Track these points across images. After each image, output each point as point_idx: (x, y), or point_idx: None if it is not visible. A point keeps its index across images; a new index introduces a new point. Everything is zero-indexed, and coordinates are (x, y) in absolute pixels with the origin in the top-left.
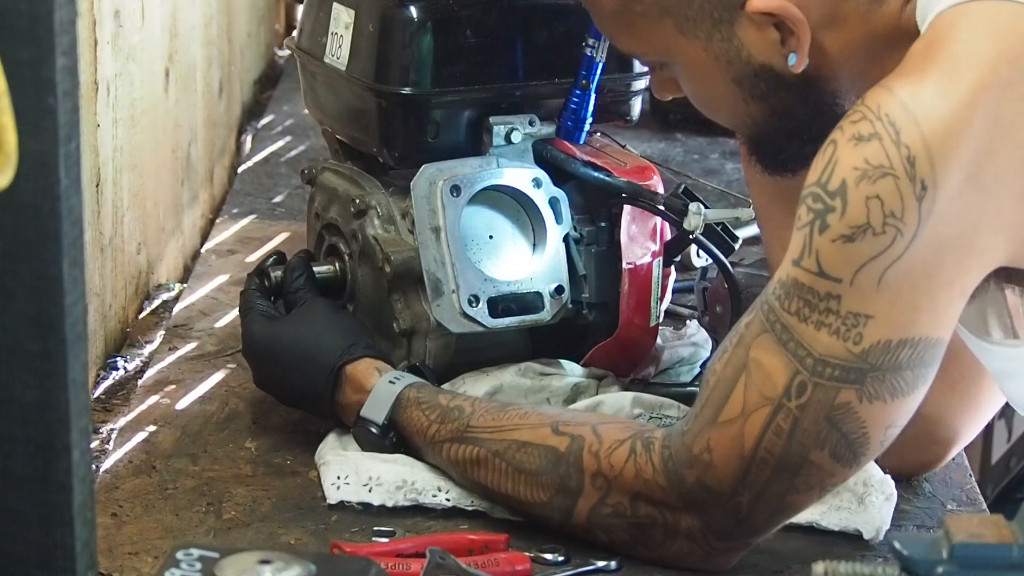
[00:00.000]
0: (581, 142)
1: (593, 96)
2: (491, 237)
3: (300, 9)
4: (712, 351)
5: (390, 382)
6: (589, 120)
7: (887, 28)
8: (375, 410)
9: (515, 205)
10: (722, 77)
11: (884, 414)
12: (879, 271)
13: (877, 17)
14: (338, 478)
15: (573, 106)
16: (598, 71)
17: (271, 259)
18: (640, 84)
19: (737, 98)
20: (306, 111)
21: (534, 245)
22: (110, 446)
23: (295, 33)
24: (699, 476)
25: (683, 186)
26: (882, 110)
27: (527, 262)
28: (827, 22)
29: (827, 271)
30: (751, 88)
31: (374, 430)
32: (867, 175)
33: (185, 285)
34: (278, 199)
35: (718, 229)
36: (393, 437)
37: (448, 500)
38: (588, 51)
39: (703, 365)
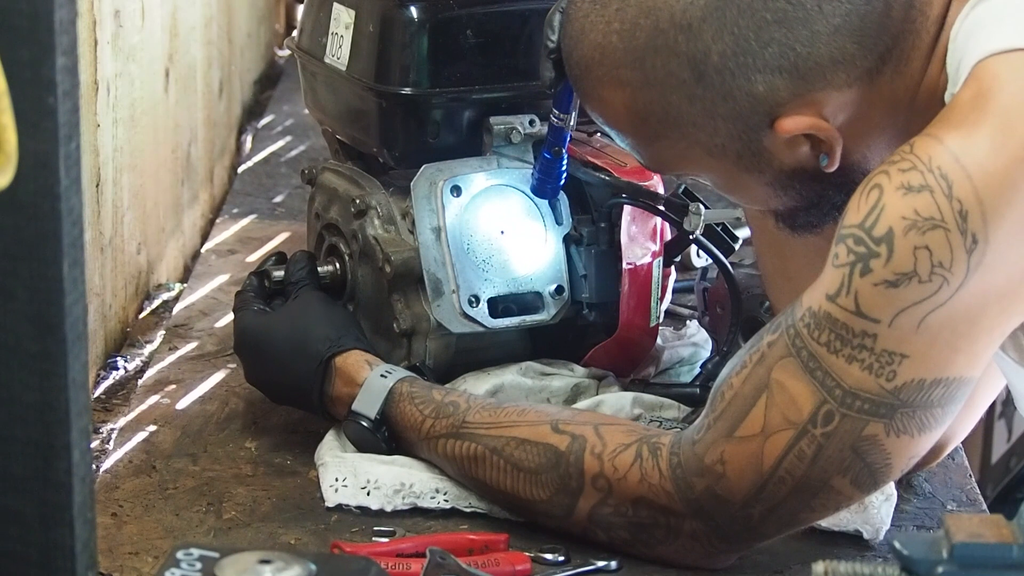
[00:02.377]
0: (554, 199)
1: (566, 158)
2: (503, 232)
3: (300, 9)
4: (712, 351)
5: (382, 375)
6: (563, 177)
7: (909, 94)
8: (367, 404)
9: (526, 200)
10: (755, 182)
11: (910, 447)
12: (920, 315)
13: (901, 90)
14: (336, 480)
15: (546, 166)
16: (568, 137)
17: (271, 260)
18: None
19: (770, 195)
20: (306, 111)
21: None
22: (110, 446)
23: (295, 33)
24: (709, 485)
25: (683, 186)
26: (933, 162)
27: (539, 256)
28: (854, 117)
29: (865, 312)
30: (784, 187)
31: (365, 424)
32: (916, 225)
33: (185, 285)
34: (278, 199)
35: (718, 229)
36: (385, 432)
37: (446, 502)
38: (556, 122)
39: (703, 365)
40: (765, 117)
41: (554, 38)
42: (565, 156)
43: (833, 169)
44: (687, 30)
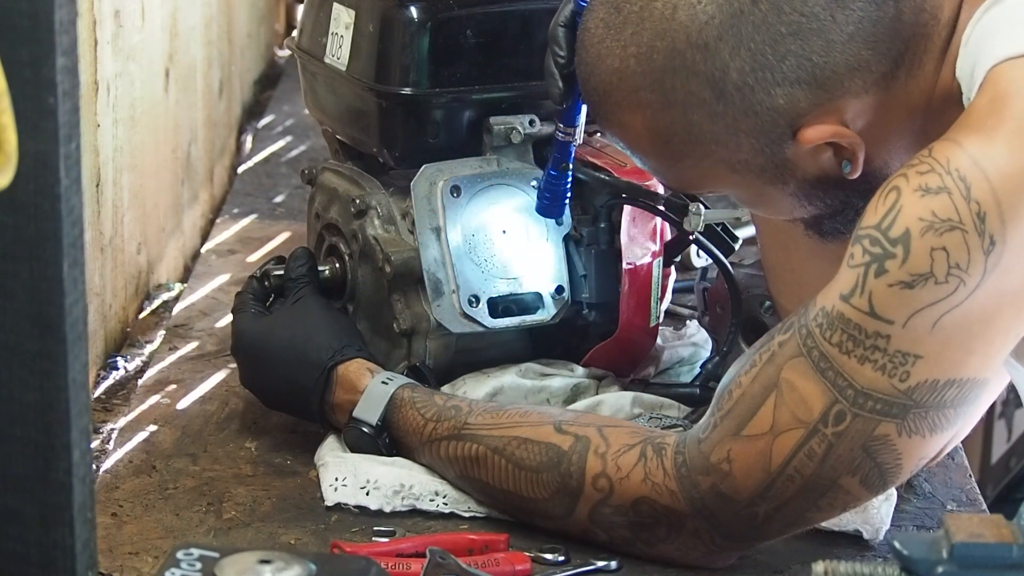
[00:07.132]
0: (559, 218)
1: (571, 174)
2: (503, 232)
3: (300, 9)
4: (712, 351)
5: (383, 382)
6: (568, 195)
7: (924, 97)
8: (368, 410)
9: (527, 200)
10: (779, 194)
11: (920, 447)
12: (935, 316)
13: (916, 93)
14: (336, 479)
15: (552, 184)
16: (573, 151)
17: (272, 262)
18: None
19: (794, 205)
20: (306, 111)
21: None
22: (110, 446)
23: (295, 33)
24: (715, 483)
25: None
26: (951, 164)
27: (539, 256)
28: (873, 122)
29: (879, 312)
30: (808, 197)
31: (367, 431)
32: (933, 227)
33: (185, 285)
34: (278, 199)
35: (718, 229)
36: (386, 438)
37: (445, 505)
38: (562, 136)
39: (703, 365)
40: (787, 129)
41: (563, 53)
42: (571, 172)
43: (856, 175)
44: (704, 49)
